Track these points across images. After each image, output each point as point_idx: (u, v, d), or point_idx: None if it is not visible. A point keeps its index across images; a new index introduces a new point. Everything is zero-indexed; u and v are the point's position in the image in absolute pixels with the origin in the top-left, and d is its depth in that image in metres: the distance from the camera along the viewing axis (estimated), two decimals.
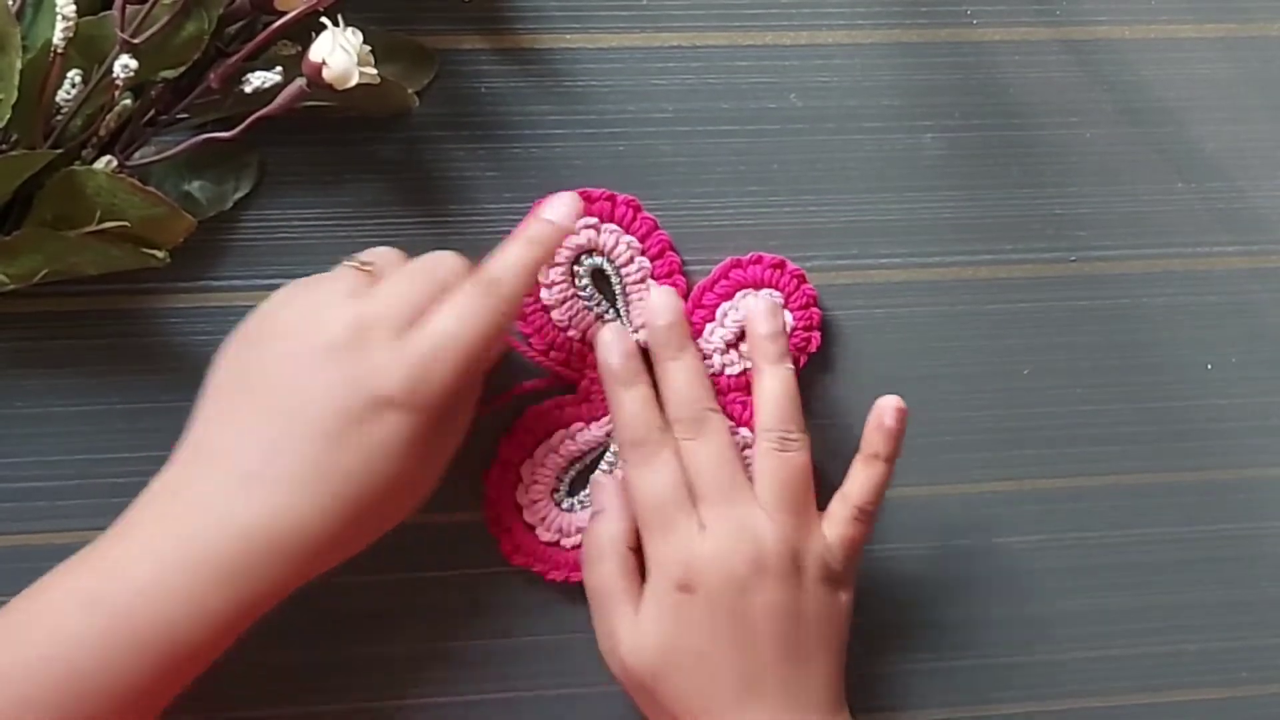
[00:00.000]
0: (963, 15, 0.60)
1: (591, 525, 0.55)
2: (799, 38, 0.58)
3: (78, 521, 0.55)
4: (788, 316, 0.57)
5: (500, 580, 0.57)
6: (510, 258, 0.52)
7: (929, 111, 0.59)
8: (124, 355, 0.55)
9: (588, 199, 0.56)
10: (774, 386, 0.55)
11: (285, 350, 0.49)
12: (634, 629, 0.53)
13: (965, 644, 0.60)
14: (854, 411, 0.59)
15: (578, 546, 0.57)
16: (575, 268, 0.57)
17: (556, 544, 0.57)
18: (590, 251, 0.57)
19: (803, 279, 0.57)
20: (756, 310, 0.56)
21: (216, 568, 0.46)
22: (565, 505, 0.57)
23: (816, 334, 0.58)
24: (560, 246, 0.56)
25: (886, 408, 0.55)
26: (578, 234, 0.56)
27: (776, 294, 0.57)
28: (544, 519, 0.57)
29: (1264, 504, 0.61)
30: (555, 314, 0.56)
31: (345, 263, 0.51)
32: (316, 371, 0.48)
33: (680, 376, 0.55)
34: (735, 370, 0.57)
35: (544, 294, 0.56)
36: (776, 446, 0.54)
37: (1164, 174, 0.61)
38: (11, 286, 0.52)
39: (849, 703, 0.55)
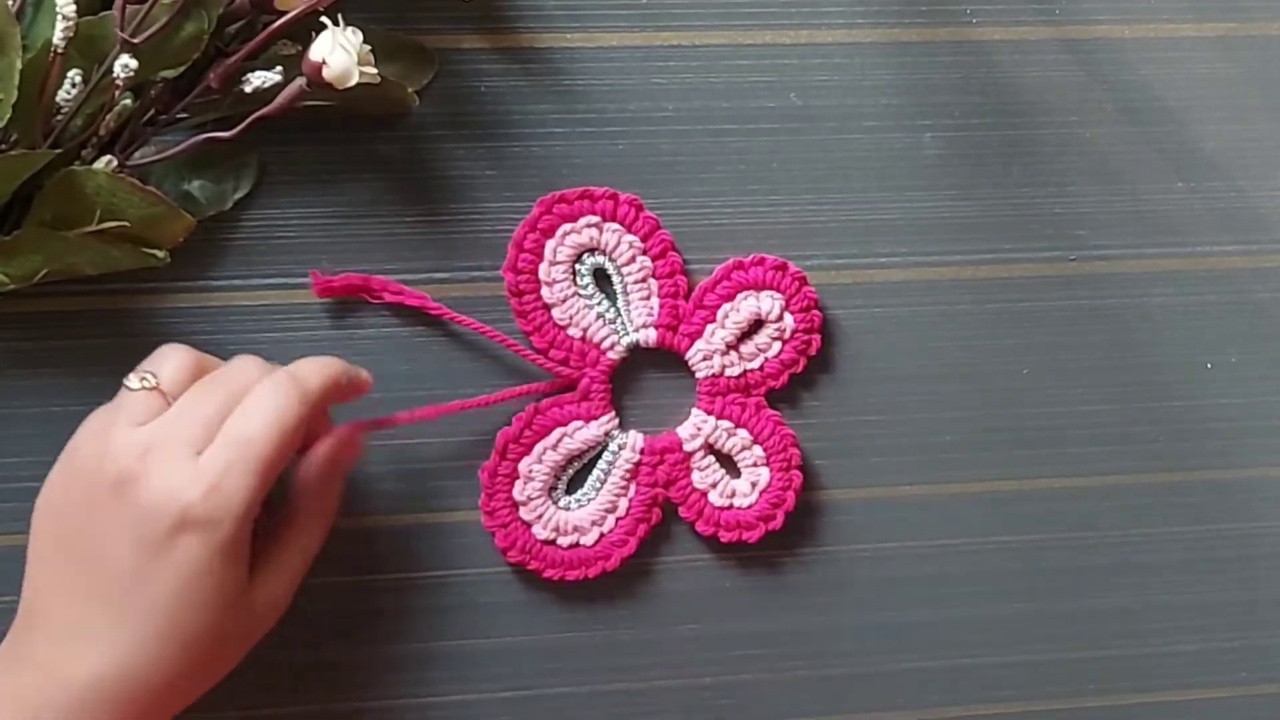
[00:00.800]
0: (962, 14, 0.60)
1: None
2: (798, 37, 0.58)
3: None
4: (789, 319, 0.57)
5: (499, 580, 0.57)
6: (315, 362, 0.50)
7: (928, 111, 0.59)
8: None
9: (590, 197, 0.56)
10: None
11: (81, 493, 0.47)
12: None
13: (965, 644, 0.60)
14: (854, 411, 0.59)
15: (574, 545, 0.57)
16: (577, 266, 0.57)
17: (553, 542, 0.57)
18: (592, 250, 0.57)
19: (804, 281, 0.57)
20: None
21: None
22: (562, 504, 0.57)
23: (817, 336, 0.58)
24: (561, 245, 0.56)
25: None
26: (580, 233, 0.56)
27: (779, 296, 0.57)
28: (540, 516, 0.57)
29: (1264, 504, 0.61)
30: (556, 312, 0.56)
31: (127, 384, 0.48)
32: (110, 509, 0.46)
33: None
34: (735, 371, 0.57)
35: (545, 292, 0.56)
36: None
37: (1164, 173, 0.61)
38: (11, 286, 0.52)
39: (849, 703, 0.55)
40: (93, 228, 0.51)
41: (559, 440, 0.57)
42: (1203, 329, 0.61)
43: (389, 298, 0.56)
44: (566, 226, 0.56)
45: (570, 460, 0.57)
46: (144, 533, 0.45)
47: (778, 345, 0.57)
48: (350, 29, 0.50)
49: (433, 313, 0.56)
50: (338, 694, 0.56)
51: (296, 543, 0.51)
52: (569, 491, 0.57)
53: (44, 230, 0.51)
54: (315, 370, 0.49)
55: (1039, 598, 0.60)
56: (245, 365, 0.49)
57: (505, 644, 0.57)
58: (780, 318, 0.57)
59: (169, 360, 0.49)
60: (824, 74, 0.59)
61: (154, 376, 0.48)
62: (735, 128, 0.58)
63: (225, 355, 0.54)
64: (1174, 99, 0.61)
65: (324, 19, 0.50)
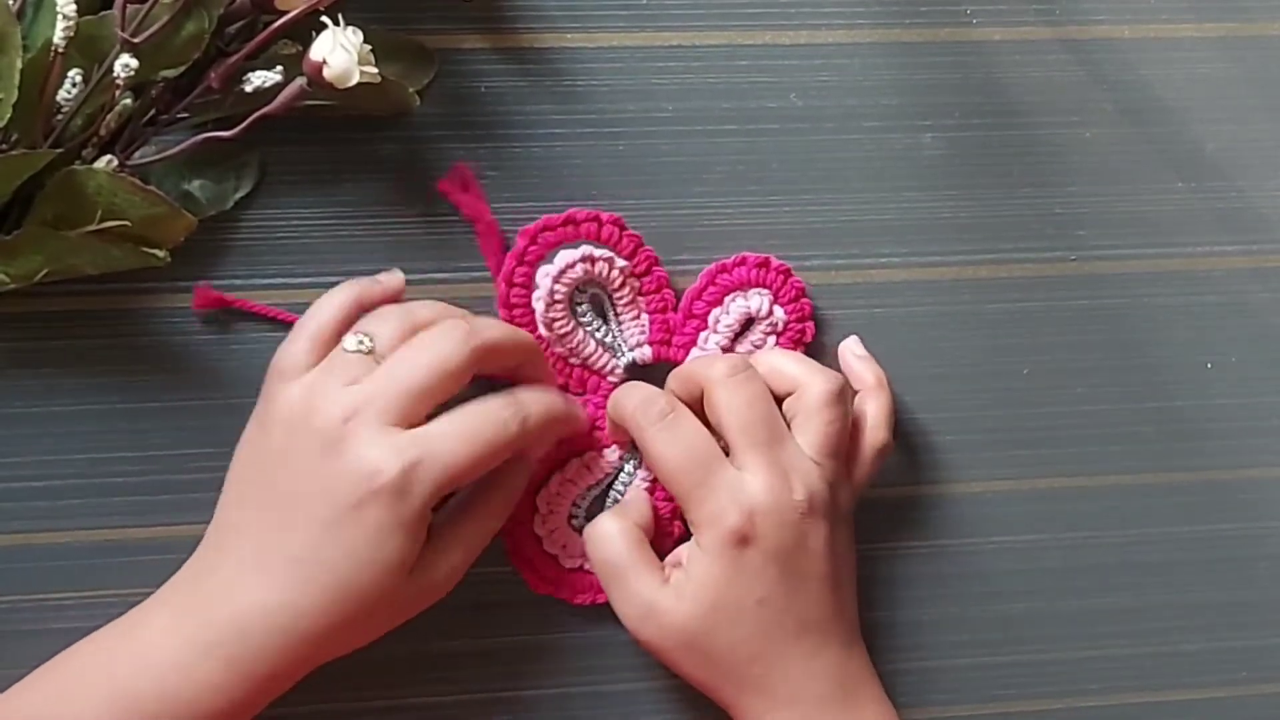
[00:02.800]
0: (962, 14, 0.60)
1: (593, 521, 0.55)
2: (798, 37, 0.58)
3: (78, 521, 0.55)
4: (779, 312, 0.57)
5: (500, 580, 0.57)
6: (546, 400, 0.53)
7: (928, 111, 0.59)
8: (124, 355, 0.55)
9: (573, 221, 0.56)
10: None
11: (285, 441, 0.50)
12: (677, 592, 0.52)
13: (965, 644, 0.60)
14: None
15: None
16: (574, 296, 0.57)
17: (580, 569, 0.57)
18: (587, 283, 0.57)
19: (789, 273, 0.57)
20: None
21: (216, 651, 0.48)
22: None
23: (810, 324, 0.58)
24: (557, 285, 0.56)
25: (849, 345, 0.57)
26: (574, 268, 0.56)
27: (765, 292, 0.57)
28: (564, 546, 0.57)
29: (1264, 504, 0.61)
30: (557, 348, 0.56)
31: (344, 345, 0.51)
32: (312, 464, 0.49)
33: (678, 369, 0.56)
34: None
35: (542, 331, 0.56)
36: (828, 400, 0.54)
37: (1164, 174, 0.61)
38: (12, 286, 0.52)
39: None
40: (93, 227, 0.51)
41: (575, 470, 0.57)
42: (1203, 329, 0.61)
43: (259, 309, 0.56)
44: (561, 262, 0.55)
45: (588, 488, 0.57)
46: (339, 494, 0.48)
47: (772, 340, 0.57)
48: (351, 29, 0.50)
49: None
50: (337, 694, 0.56)
51: (479, 522, 0.53)
52: (588, 518, 0.57)
53: (44, 230, 0.51)
54: (544, 406, 0.53)
55: (1039, 598, 0.60)
56: (455, 335, 0.51)
57: (505, 644, 0.57)
58: (770, 313, 0.57)
59: (387, 323, 0.52)
60: (824, 74, 0.59)
61: (370, 339, 0.51)
62: (735, 128, 0.58)
63: (226, 356, 0.55)
64: (1174, 99, 0.61)
65: (324, 19, 0.50)
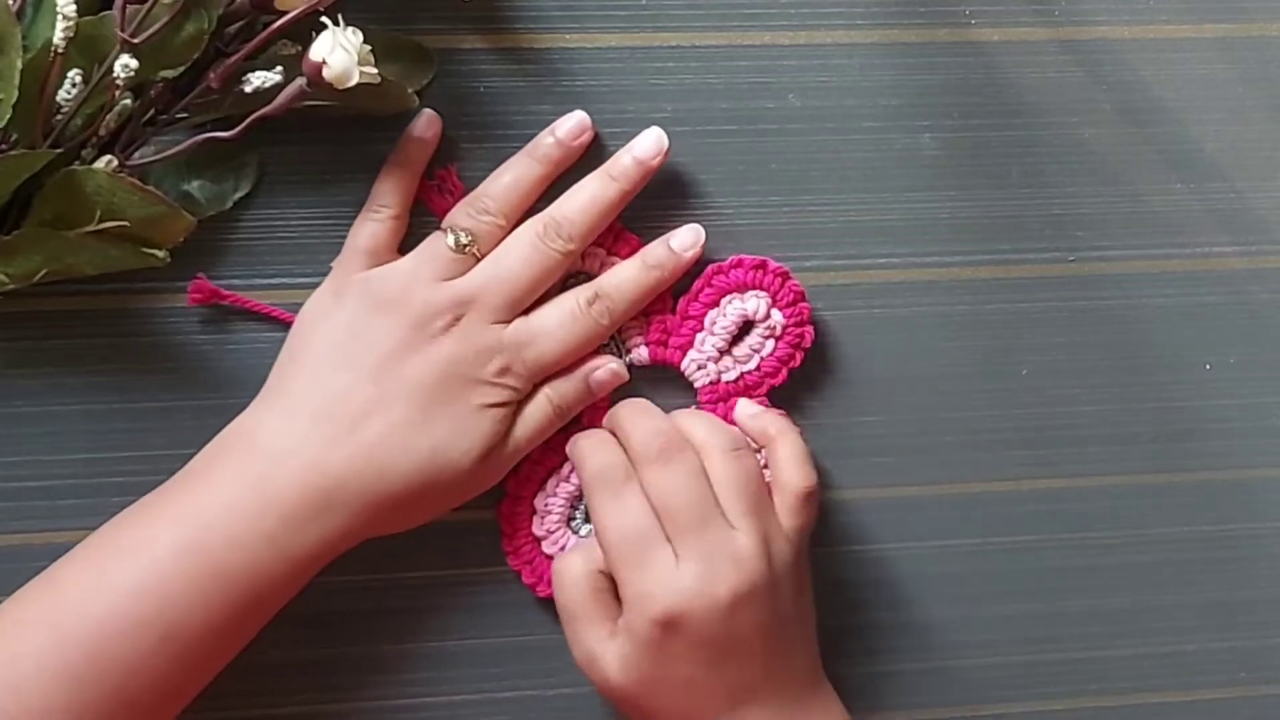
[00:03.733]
0: (961, 15, 0.60)
1: (562, 553, 0.56)
2: (797, 38, 0.58)
3: (78, 521, 0.54)
4: (777, 315, 0.57)
5: (500, 580, 0.57)
6: (628, 281, 0.55)
7: (927, 111, 0.59)
8: (124, 355, 0.55)
9: None
10: (696, 413, 0.56)
11: (375, 318, 0.52)
12: (614, 655, 0.52)
13: (964, 644, 0.60)
14: (854, 411, 0.59)
15: None
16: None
17: None
18: (575, 276, 0.57)
19: (787, 276, 0.57)
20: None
21: (291, 511, 0.50)
22: (583, 532, 0.57)
23: (809, 328, 0.57)
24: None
25: (740, 411, 0.57)
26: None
27: (763, 294, 0.57)
28: (563, 547, 0.57)
29: (1264, 504, 0.61)
30: None
31: (447, 242, 0.54)
32: (411, 342, 0.52)
33: (635, 414, 0.55)
34: (732, 375, 0.57)
35: None
36: (729, 449, 0.54)
37: (1163, 174, 0.61)
38: (11, 286, 0.52)
39: (848, 704, 0.55)
40: (93, 227, 0.51)
41: (570, 471, 0.57)
42: (1202, 329, 0.61)
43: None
44: None
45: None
46: (451, 376, 0.52)
47: (771, 343, 0.57)
48: (350, 29, 0.50)
49: None
50: (337, 694, 0.56)
51: (531, 421, 0.55)
52: (586, 519, 0.57)
53: (44, 230, 0.51)
54: (625, 300, 0.55)
55: (1039, 598, 0.60)
56: (554, 236, 0.54)
57: (505, 644, 0.57)
58: (768, 315, 0.57)
59: (482, 221, 0.54)
60: (823, 75, 0.59)
61: (470, 236, 0.54)
62: (734, 128, 0.58)
63: (225, 356, 0.55)
64: (1173, 100, 0.61)
65: (324, 19, 0.50)
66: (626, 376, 0.56)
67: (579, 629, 0.53)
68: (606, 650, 0.52)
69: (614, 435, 0.55)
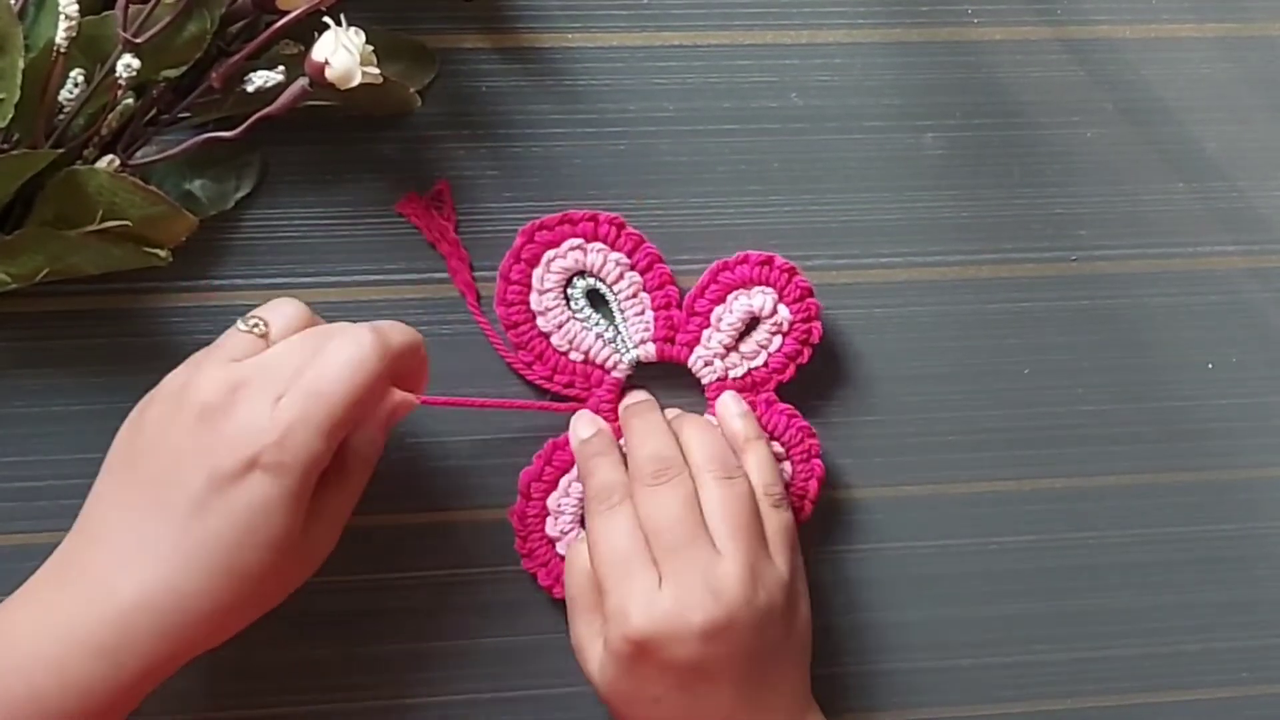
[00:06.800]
0: (964, 14, 0.60)
1: (575, 540, 0.56)
2: (799, 37, 0.58)
3: None
4: (784, 311, 0.57)
5: (499, 580, 0.57)
6: (399, 325, 0.51)
7: (930, 111, 0.59)
8: (125, 355, 0.55)
9: (570, 221, 0.56)
10: (701, 430, 0.55)
11: (163, 416, 0.48)
12: (595, 654, 0.53)
13: (965, 644, 0.60)
14: (855, 411, 0.59)
15: None
16: (568, 290, 0.57)
17: None
18: (580, 273, 0.57)
19: (793, 272, 0.57)
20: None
21: (91, 645, 0.46)
22: None
23: (817, 324, 0.57)
24: (548, 273, 0.56)
25: (724, 402, 0.56)
26: (564, 257, 0.56)
27: (769, 290, 0.57)
28: None
29: (1264, 504, 0.62)
30: (555, 339, 0.56)
31: (237, 325, 0.50)
32: (190, 435, 0.47)
33: (644, 431, 0.55)
34: (739, 371, 0.57)
35: (540, 321, 0.56)
36: (721, 475, 0.53)
37: (1164, 174, 0.61)
38: (13, 286, 0.52)
39: (847, 704, 0.55)
40: (94, 227, 0.51)
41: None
42: (1203, 329, 0.61)
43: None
44: (550, 253, 0.56)
45: None
46: (218, 464, 0.46)
47: (778, 339, 0.57)
48: (352, 29, 0.50)
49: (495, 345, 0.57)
50: (336, 694, 0.56)
51: (344, 489, 0.51)
52: None
53: (46, 230, 0.51)
54: (400, 331, 0.51)
55: (1039, 598, 0.60)
56: (351, 328, 0.50)
57: (505, 644, 0.57)
58: (774, 311, 0.57)
59: (281, 310, 0.50)
60: (825, 74, 0.59)
61: (264, 324, 0.50)
62: (736, 128, 0.58)
63: None
64: (1174, 99, 0.61)
65: (326, 19, 0.50)
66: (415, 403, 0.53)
67: (576, 617, 0.54)
68: (593, 646, 0.53)
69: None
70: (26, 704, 0.45)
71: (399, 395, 0.52)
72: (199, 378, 0.48)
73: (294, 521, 0.47)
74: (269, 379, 0.47)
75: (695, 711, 0.51)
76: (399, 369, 0.51)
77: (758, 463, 0.55)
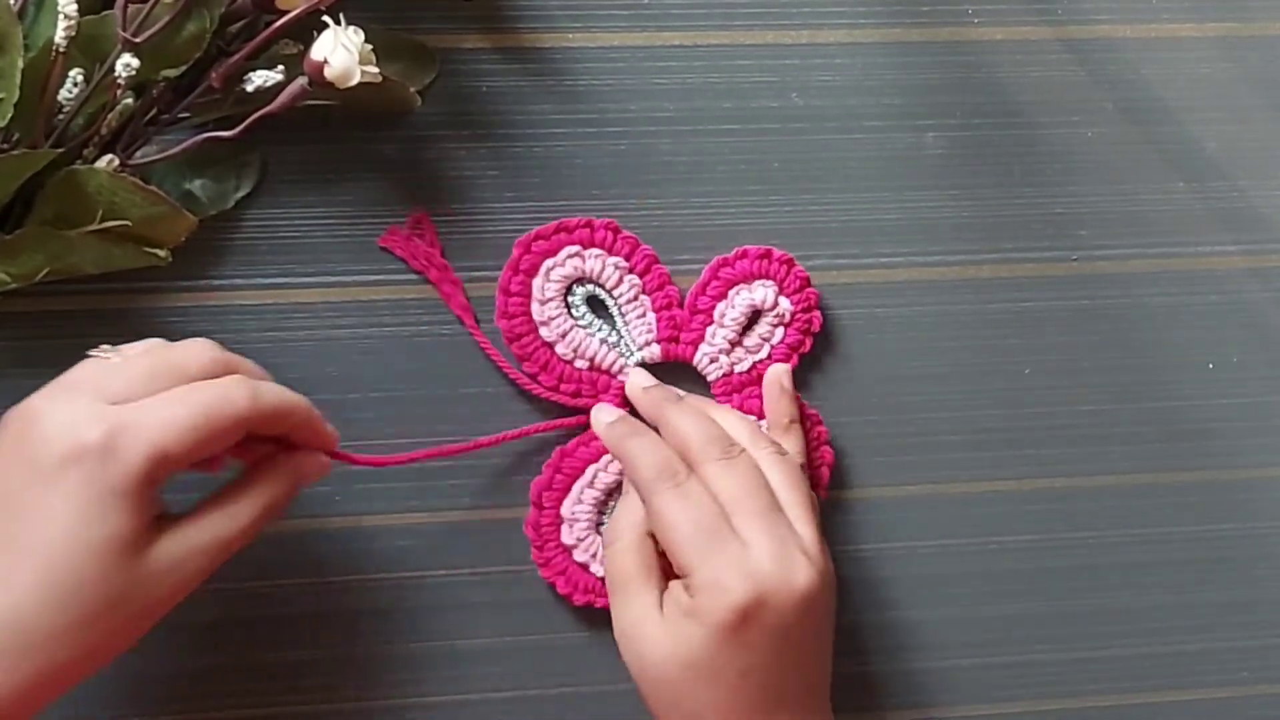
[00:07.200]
0: (964, 14, 0.60)
1: (618, 508, 0.54)
2: (800, 37, 0.58)
3: None
4: (785, 303, 0.57)
5: (499, 580, 0.57)
6: (282, 388, 0.49)
7: (930, 110, 0.59)
8: None
9: (566, 229, 0.56)
10: (730, 412, 0.55)
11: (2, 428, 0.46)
12: (663, 634, 0.50)
13: (965, 644, 0.60)
14: (856, 411, 0.59)
15: None
16: (569, 298, 0.57)
17: None
18: (580, 280, 0.57)
19: (792, 263, 0.57)
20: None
21: None
22: None
23: (817, 313, 0.58)
24: (548, 282, 0.56)
25: (777, 375, 0.57)
26: (563, 265, 0.56)
27: (769, 283, 0.57)
28: (595, 555, 0.57)
29: (1264, 504, 0.62)
30: (559, 348, 0.56)
31: (89, 351, 0.48)
32: (11, 440, 0.45)
33: (689, 415, 0.53)
34: (744, 366, 0.57)
35: (543, 331, 0.56)
36: (775, 450, 0.53)
37: (1165, 174, 0.61)
38: (13, 285, 0.52)
39: (847, 703, 0.55)
40: (94, 227, 0.51)
41: (594, 476, 0.57)
42: (1203, 329, 0.61)
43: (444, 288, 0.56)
44: (549, 263, 0.56)
45: (609, 493, 0.57)
46: (35, 464, 0.44)
47: (780, 331, 0.57)
48: (352, 28, 0.50)
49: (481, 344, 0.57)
50: (332, 694, 0.56)
51: (215, 523, 0.47)
52: None
53: (46, 229, 0.51)
54: (278, 389, 0.48)
55: (1039, 598, 0.60)
56: (198, 344, 0.48)
57: (505, 644, 0.57)
58: (776, 304, 0.57)
59: (140, 344, 0.49)
60: (826, 74, 0.59)
61: (117, 353, 0.47)
62: (737, 128, 0.58)
63: None
64: (1175, 99, 0.61)
65: (326, 18, 0.50)
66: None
67: (629, 598, 0.51)
68: (655, 627, 0.50)
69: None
70: None
71: (302, 455, 0.50)
72: (32, 397, 0.46)
73: (125, 525, 0.44)
74: (93, 384, 0.46)
75: (775, 685, 0.50)
76: (275, 429, 0.49)
77: (796, 443, 0.56)
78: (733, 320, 0.57)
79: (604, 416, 0.55)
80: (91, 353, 0.47)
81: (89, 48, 0.50)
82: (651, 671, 0.50)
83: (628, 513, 0.53)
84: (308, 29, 0.50)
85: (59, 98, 0.50)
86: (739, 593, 0.48)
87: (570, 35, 0.57)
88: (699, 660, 0.49)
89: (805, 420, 0.57)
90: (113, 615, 0.45)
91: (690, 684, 0.49)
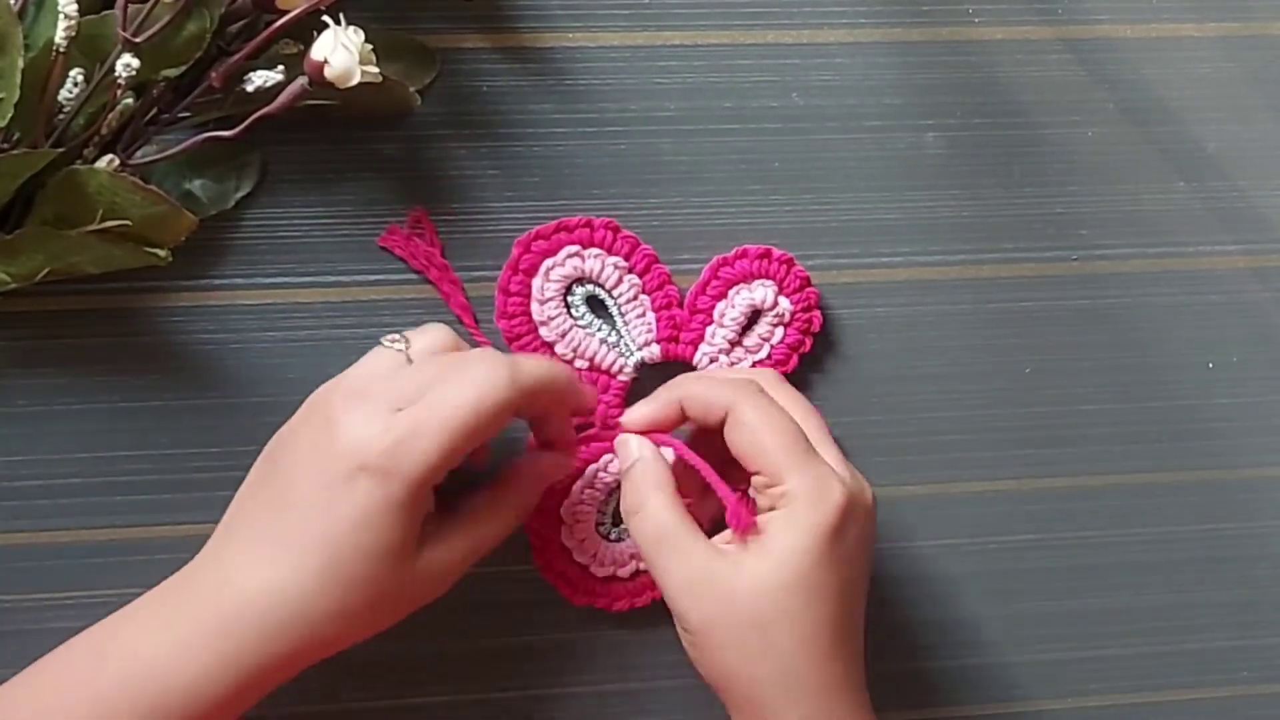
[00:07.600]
0: (964, 14, 0.60)
1: (629, 474, 0.53)
2: (800, 36, 0.58)
3: (78, 521, 0.55)
4: (784, 303, 0.57)
5: (498, 580, 0.57)
6: (544, 362, 0.51)
7: (931, 110, 0.59)
8: (125, 354, 0.55)
9: (566, 228, 0.56)
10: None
11: (297, 422, 0.50)
12: (761, 561, 0.48)
13: (965, 643, 0.60)
14: (856, 411, 0.59)
15: (635, 574, 0.57)
16: (568, 298, 0.57)
17: (613, 577, 0.57)
18: (579, 280, 0.57)
19: (791, 263, 0.57)
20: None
21: (215, 640, 0.47)
22: (613, 536, 0.57)
23: (817, 313, 0.58)
24: (548, 282, 0.56)
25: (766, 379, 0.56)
26: (563, 265, 0.56)
27: (769, 283, 0.57)
28: (595, 555, 0.57)
29: (1264, 504, 0.62)
30: (559, 348, 0.56)
31: (382, 340, 0.51)
32: (312, 441, 0.48)
33: (703, 380, 0.54)
34: (744, 366, 0.57)
35: (543, 332, 0.56)
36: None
37: (1165, 173, 0.61)
38: (13, 285, 0.51)
39: None
40: (94, 227, 0.51)
41: (594, 476, 0.57)
42: (1204, 329, 0.61)
43: (443, 287, 0.56)
44: (548, 263, 0.56)
45: (610, 493, 0.57)
46: (329, 469, 0.47)
47: (780, 330, 0.57)
48: (352, 28, 0.50)
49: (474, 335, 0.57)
50: (334, 694, 0.56)
51: (477, 524, 0.51)
52: (616, 523, 0.57)
53: (46, 229, 0.51)
54: (535, 363, 0.50)
55: (1039, 598, 0.60)
56: (486, 351, 0.51)
57: (505, 644, 0.57)
58: (775, 303, 0.57)
59: (429, 333, 0.52)
60: (826, 74, 0.58)
61: (408, 343, 0.51)
62: (737, 127, 0.58)
63: (226, 356, 0.55)
64: (1175, 99, 0.61)
65: (326, 18, 0.50)
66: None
67: (685, 547, 0.50)
68: (732, 563, 0.49)
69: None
70: (145, 697, 0.46)
71: (547, 457, 0.54)
72: (334, 388, 0.49)
73: (401, 535, 0.47)
74: (390, 392, 0.48)
75: (859, 613, 0.50)
76: (535, 405, 0.51)
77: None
78: (733, 320, 0.57)
79: (634, 413, 0.55)
80: (384, 341, 0.51)
81: (89, 48, 0.50)
82: (745, 606, 0.48)
83: (646, 478, 0.52)
84: (308, 29, 0.50)
85: (59, 98, 0.50)
86: (838, 494, 0.49)
87: (570, 35, 0.57)
88: (801, 578, 0.48)
89: None
90: (375, 610, 0.49)
91: (796, 606, 0.48)
